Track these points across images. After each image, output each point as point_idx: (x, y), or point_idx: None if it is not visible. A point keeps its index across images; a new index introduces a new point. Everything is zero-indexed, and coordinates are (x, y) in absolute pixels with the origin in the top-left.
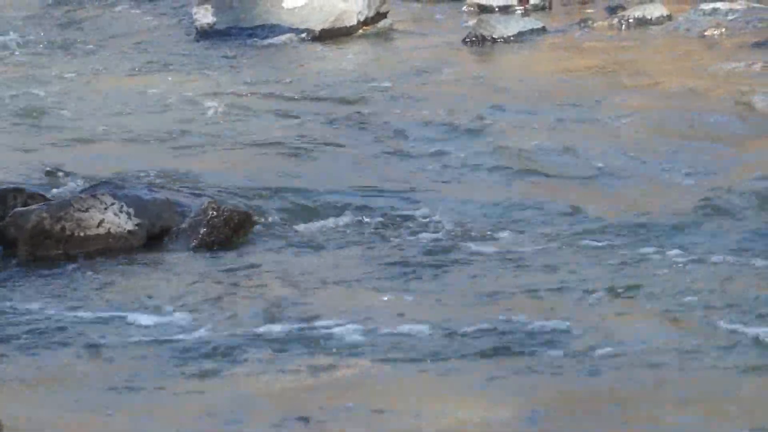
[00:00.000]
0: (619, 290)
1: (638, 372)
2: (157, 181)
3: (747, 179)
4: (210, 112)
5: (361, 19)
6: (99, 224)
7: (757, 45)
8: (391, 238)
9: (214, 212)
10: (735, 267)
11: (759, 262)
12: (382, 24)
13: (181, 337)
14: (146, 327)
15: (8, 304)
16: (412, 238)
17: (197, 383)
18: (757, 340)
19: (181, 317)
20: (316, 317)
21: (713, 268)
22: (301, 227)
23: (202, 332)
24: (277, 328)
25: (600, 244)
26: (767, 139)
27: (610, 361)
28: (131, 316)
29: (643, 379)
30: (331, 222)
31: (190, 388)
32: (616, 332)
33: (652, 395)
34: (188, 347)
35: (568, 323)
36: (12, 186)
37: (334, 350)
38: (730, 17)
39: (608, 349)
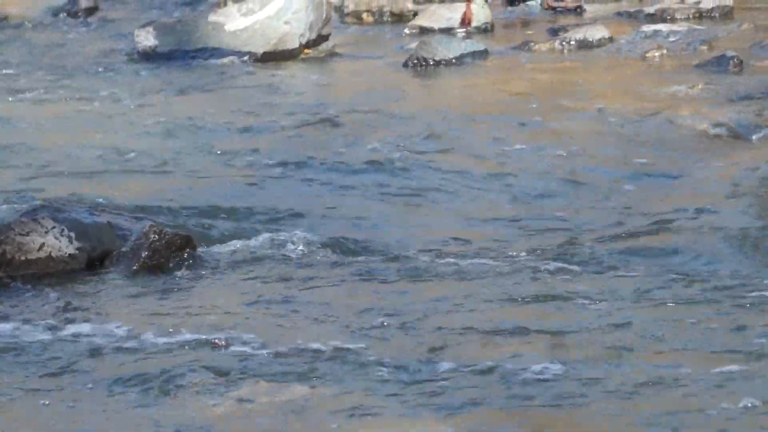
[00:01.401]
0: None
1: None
2: (98, 204)
3: (684, 201)
4: (151, 135)
5: (303, 41)
6: (40, 248)
7: (698, 66)
8: (334, 262)
9: (156, 236)
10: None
11: (685, 283)
12: (324, 46)
13: (119, 359)
14: (81, 351)
15: None
16: (356, 260)
17: (132, 407)
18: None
19: (118, 339)
20: (256, 340)
21: (633, 293)
22: (242, 250)
23: (139, 355)
24: (218, 352)
25: (526, 264)
26: (707, 160)
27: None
28: (71, 338)
29: None
30: (272, 245)
31: (123, 409)
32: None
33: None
34: (127, 370)
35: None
36: None
37: (274, 375)
38: (671, 39)
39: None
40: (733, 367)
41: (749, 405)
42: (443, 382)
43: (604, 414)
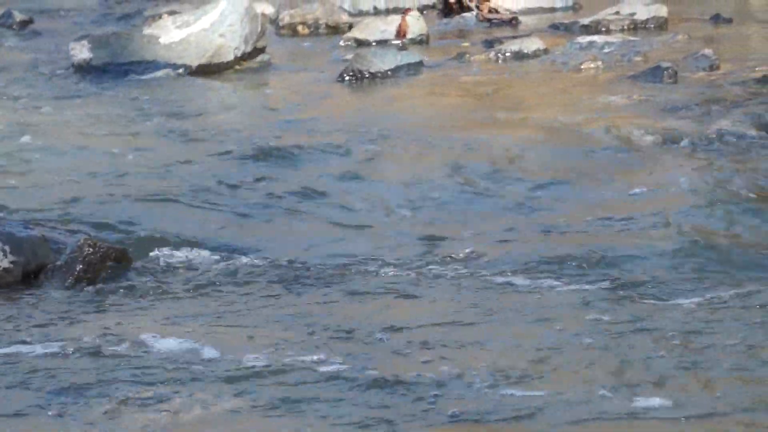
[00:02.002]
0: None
1: None
2: (32, 217)
3: (618, 214)
4: (84, 149)
5: (238, 54)
6: None
7: (633, 78)
8: (267, 276)
9: (90, 249)
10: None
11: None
12: (260, 59)
13: (53, 372)
14: (16, 365)
15: None
16: (289, 275)
17: (68, 420)
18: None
19: (53, 353)
20: (190, 352)
21: (565, 307)
22: (177, 264)
23: (72, 369)
24: (151, 364)
25: (462, 276)
26: (642, 172)
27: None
28: (3, 352)
29: None
30: (206, 259)
31: (57, 423)
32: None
33: None
34: (61, 383)
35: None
36: None
37: (208, 386)
38: (606, 50)
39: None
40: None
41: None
42: (386, 395)
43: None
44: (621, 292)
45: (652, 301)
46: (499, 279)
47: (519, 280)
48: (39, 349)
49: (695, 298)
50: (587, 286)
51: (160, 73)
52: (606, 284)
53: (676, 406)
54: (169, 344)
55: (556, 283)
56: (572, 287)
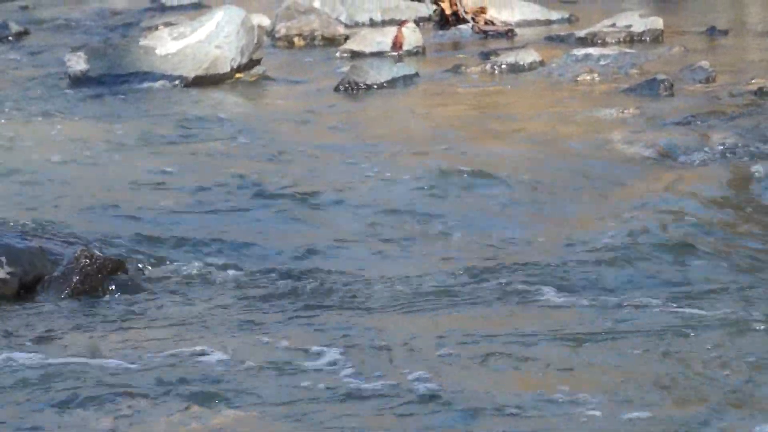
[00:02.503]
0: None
1: None
2: (29, 228)
3: (614, 223)
4: (80, 160)
5: (234, 65)
6: None
7: (629, 90)
8: (263, 287)
9: (87, 260)
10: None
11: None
12: (256, 70)
13: (49, 384)
14: (12, 376)
15: None
16: (283, 284)
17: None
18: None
19: (49, 364)
20: (191, 364)
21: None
22: (174, 275)
23: (70, 381)
24: (149, 377)
25: (441, 291)
26: (637, 183)
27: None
28: (1, 364)
29: None
30: (203, 270)
31: None
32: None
33: None
34: (58, 395)
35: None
36: None
37: (205, 399)
38: (602, 63)
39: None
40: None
41: None
42: (376, 402)
43: None
44: (621, 304)
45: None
46: (494, 292)
47: (514, 292)
48: (35, 360)
49: (693, 315)
50: (584, 301)
51: (156, 85)
52: (604, 299)
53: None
54: (167, 356)
55: (548, 297)
56: (573, 300)
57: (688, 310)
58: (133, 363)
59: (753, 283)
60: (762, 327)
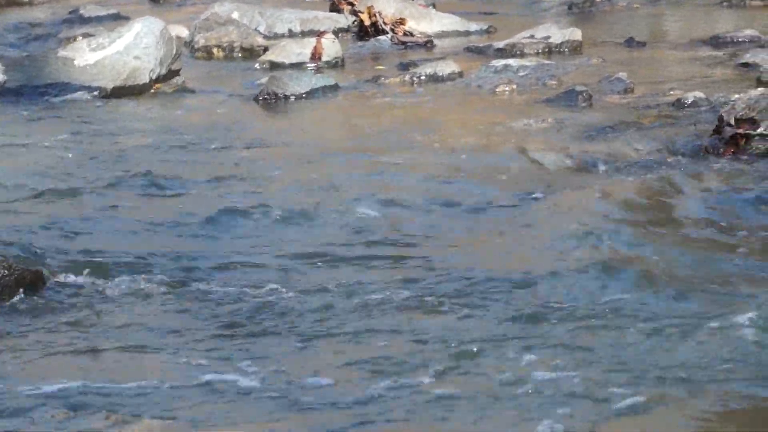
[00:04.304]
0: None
1: None
2: None
3: (531, 235)
4: None
5: (153, 76)
6: None
7: (548, 101)
8: (181, 300)
9: (5, 271)
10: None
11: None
12: (175, 81)
13: None
14: None
15: None
16: (203, 295)
17: None
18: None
19: None
20: (104, 377)
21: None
22: (94, 284)
23: None
24: (71, 386)
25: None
26: (554, 196)
27: None
28: None
29: None
30: (121, 282)
31: None
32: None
33: None
34: None
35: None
36: None
37: (121, 410)
38: (521, 74)
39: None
40: None
41: None
42: (304, 405)
43: None
44: (534, 315)
45: (568, 321)
46: (411, 300)
47: (430, 300)
48: None
49: (603, 320)
50: (501, 311)
51: (75, 96)
52: (517, 307)
53: None
54: (85, 368)
55: (459, 306)
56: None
57: (595, 321)
58: (49, 376)
59: (666, 289)
60: (676, 330)
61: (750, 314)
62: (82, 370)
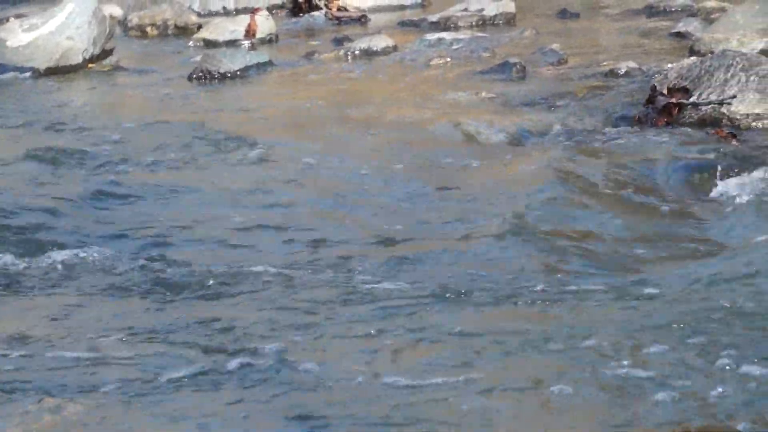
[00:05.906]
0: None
1: None
2: None
3: (460, 211)
4: None
5: (87, 56)
6: None
7: (482, 73)
8: (124, 275)
9: None
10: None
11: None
12: (108, 61)
13: None
14: None
15: None
16: (139, 274)
17: None
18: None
19: None
20: (46, 355)
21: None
22: (32, 265)
23: None
24: (6, 368)
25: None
26: (488, 168)
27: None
28: None
29: None
30: (68, 260)
31: None
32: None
33: None
34: None
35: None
36: None
37: (59, 391)
38: (455, 47)
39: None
40: None
41: None
42: (234, 387)
43: None
44: (468, 291)
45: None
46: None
47: (361, 278)
48: None
49: (540, 296)
50: (431, 288)
51: (7, 76)
52: (454, 283)
53: None
54: (23, 350)
55: (394, 283)
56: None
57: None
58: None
59: (599, 258)
60: (610, 297)
61: (667, 279)
62: (19, 352)
